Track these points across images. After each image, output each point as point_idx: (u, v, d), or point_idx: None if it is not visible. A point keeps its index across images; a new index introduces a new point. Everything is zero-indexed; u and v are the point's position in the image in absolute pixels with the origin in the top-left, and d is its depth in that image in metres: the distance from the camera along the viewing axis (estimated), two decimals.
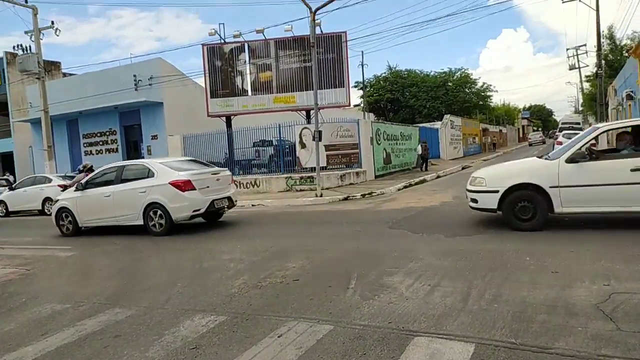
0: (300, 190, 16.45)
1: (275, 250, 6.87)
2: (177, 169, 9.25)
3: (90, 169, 12.47)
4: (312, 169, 15.72)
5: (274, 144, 18.96)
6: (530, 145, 51.61)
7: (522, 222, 6.70)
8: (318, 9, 13.91)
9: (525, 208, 6.68)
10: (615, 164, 6.37)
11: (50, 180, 16.15)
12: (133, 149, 21.75)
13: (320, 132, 14.33)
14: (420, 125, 30.35)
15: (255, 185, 17.68)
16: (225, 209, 9.90)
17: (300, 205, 13.44)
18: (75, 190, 10.24)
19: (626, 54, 25.62)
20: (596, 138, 6.87)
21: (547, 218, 6.66)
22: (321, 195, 13.86)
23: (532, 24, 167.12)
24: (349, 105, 21.52)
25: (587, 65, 37.72)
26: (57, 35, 19.04)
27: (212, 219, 10.49)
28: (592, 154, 6.55)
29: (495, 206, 6.91)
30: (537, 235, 6.38)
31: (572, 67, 37.21)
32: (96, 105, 20.71)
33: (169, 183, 8.90)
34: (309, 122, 18.43)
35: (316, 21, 14.72)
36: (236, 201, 10.28)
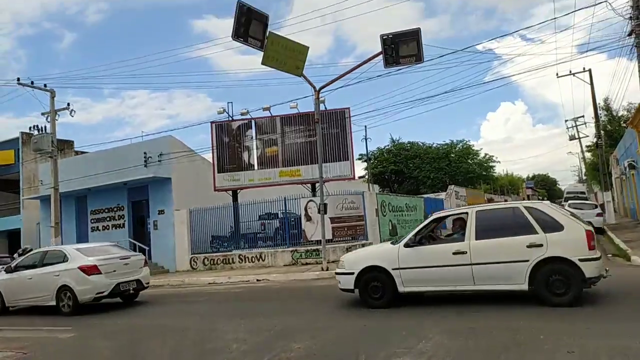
0: (306, 263, 16.23)
1: (279, 329, 6.66)
2: (89, 254, 10.26)
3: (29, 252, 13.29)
4: (318, 242, 15.61)
5: (279, 217, 19.00)
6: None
7: (374, 301, 7.45)
8: (322, 87, 14.51)
9: (375, 288, 7.47)
10: (441, 248, 7.24)
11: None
12: (140, 225, 21.82)
13: (325, 205, 14.40)
14: (425, 196, 30.47)
15: (261, 259, 17.49)
16: (131, 290, 10.57)
17: (306, 279, 13.19)
18: (6, 273, 11.21)
19: (624, 125, 26.17)
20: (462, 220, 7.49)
21: (396, 296, 7.34)
22: (327, 269, 13.63)
23: (530, 96, 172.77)
24: (354, 177, 21.77)
25: (587, 136, 38.32)
26: (72, 116, 19.81)
27: (127, 298, 11.05)
28: (431, 238, 7.56)
29: (352, 286, 7.68)
30: (551, 312, 6.16)
31: (572, 138, 37.86)
32: (105, 182, 21.07)
33: (77, 267, 9.88)
34: (314, 195, 18.58)
35: (320, 98, 15.32)
36: (147, 283, 11.05)
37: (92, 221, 22.61)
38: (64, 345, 7.26)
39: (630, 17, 11.60)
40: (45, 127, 19.40)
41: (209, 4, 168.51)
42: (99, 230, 22.29)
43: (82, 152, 28.20)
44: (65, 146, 29.82)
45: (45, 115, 19.41)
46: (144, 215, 21.58)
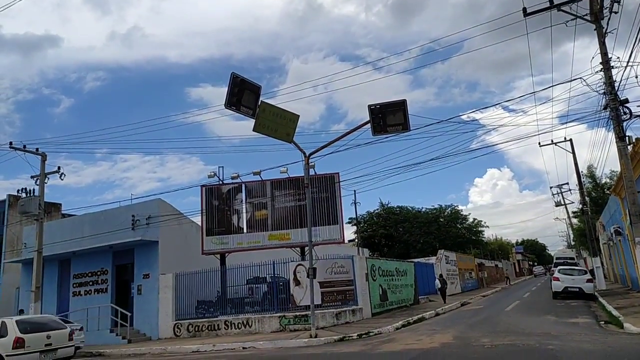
0: (295, 330, 15.74)
1: None
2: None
3: None
4: (307, 307, 15.24)
5: (267, 281, 18.66)
6: (535, 276, 64.24)
7: None
8: (312, 153, 14.85)
9: None
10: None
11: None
12: (123, 289, 21.21)
13: (314, 269, 14.23)
14: (415, 260, 30.25)
15: (248, 325, 16.95)
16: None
17: (294, 347, 12.75)
18: None
19: (608, 192, 26.80)
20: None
21: None
22: (316, 336, 13.22)
23: (515, 164, 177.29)
24: (343, 241, 21.72)
25: (573, 202, 39.00)
26: (62, 180, 19.85)
27: None
28: None
29: None
30: None
31: (558, 204, 38.50)
32: (91, 245, 20.71)
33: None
34: (303, 259, 18.39)
35: (310, 164, 15.62)
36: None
37: (74, 285, 21.95)
38: None
39: (604, 92, 12.26)
40: (33, 189, 19.39)
41: (206, 73, 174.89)
42: (81, 295, 21.60)
43: (69, 215, 27.92)
44: (52, 209, 29.55)
45: (35, 178, 19.43)
46: (128, 279, 21.05)
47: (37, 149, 19.58)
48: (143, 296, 19.89)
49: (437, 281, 25.74)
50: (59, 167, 19.68)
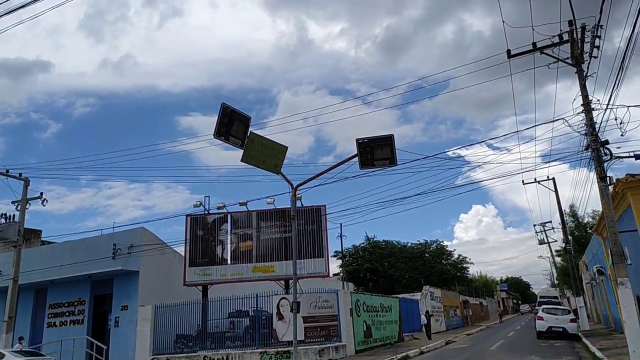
0: None
1: None
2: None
3: None
4: (290, 343, 14.91)
5: (250, 314, 18.27)
6: (522, 314, 67.28)
7: None
8: (299, 185, 14.83)
9: None
10: None
11: (2, 356, 14.81)
12: (100, 321, 20.55)
13: (298, 303, 13.97)
14: (400, 295, 29.97)
15: None
16: None
17: None
18: None
19: (590, 231, 27.15)
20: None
21: None
22: None
23: (499, 201, 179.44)
24: (328, 275, 21.49)
25: (556, 241, 39.35)
26: (44, 206, 19.50)
27: None
28: None
29: None
30: None
31: (541, 242, 38.76)
32: (69, 274, 20.15)
33: None
34: (287, 292, 18.10)
35: (297, 196, 15.59)
36: None
37: (50, 316, 21.24)
38: None
39: (586, 133, 12.60)
40: (13, 215, 18.95)
41: (196, 102, 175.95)
42: (56, 326, 20.89)
43: (49, 242, 27.26)
44: (32, 235, 28.83)
45: (16, 204, 19.06)
46: (106, 310, 20.46)
47: (20, 174, 19.28)
48: (120, 329, 19.28)
49: (422, 317, 26.61)
50: (41, 193, 19.38)
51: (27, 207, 19.04)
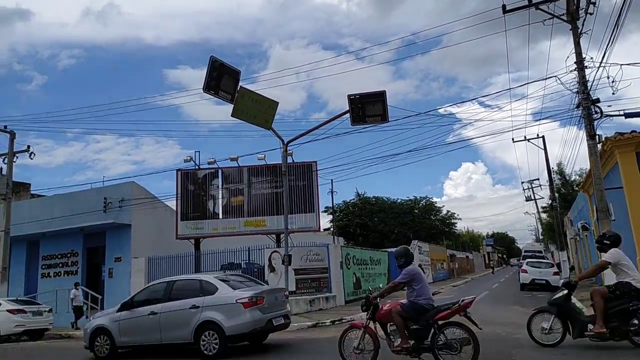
0: None
1: None
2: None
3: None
4: None
5: (242, 267, 18.64)
6: (511, 266, 70.44)
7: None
8: (290, 141, 14.82)
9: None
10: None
11: None
12: (94, 272, 20.88)
13: (290, 256, 14.30)
14: (389, 250, 30.63)
15: None
16: None
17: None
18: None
19: (577, 189, 27.60)
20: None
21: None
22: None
23: (489, 158, 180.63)
24: (319, 229, 21.79)
25: (543, 197, 40.04)
26: (32, 159, 19.30)
27: None
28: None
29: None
30: None
31: (528, 199, 39.38)
32: (61, 226, 20.26)
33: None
34: (279, 246, 18.43)
35: (288, 152, 15.59)
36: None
37: (43, 267, 21.51)
38: None
39: (577, 91, 12.57)
40: (1, 168, 18.78)
41: (184, 55, 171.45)
42: (50, 277, 21.20)
43: (39, 196, 27.19)
44: (21, 189, 28.65)
45: (3, 157, 18.83)
46: (99, 262, 20.74)
47: (5, 127, 18.95)
48: (114, 279, 19.63)
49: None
50: (28, 146, 19.13)
51: (14, 160, 18.85)
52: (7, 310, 14.77)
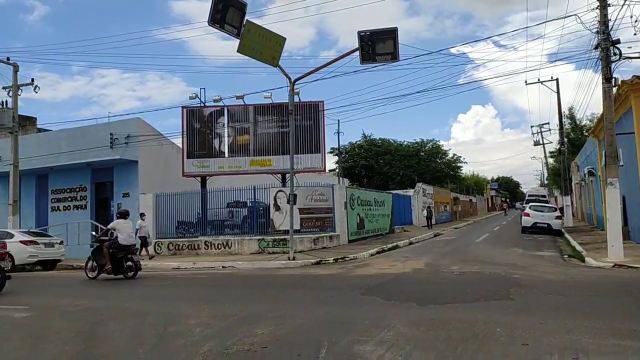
0: (273, 252, 16.24)
1: (244, 315, 6.66)
2: None
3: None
4: (286, 232, 15.64)
5: (248, 205, 18.91)
6: (516, 209, 67.67)
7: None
8: (297, 79, 14.47)
9: None
10: None
11: (12, 236, 15.53)
12: (103, 207, 21.28)
13: (295, 196, 14.41)
14: (394, 192, 30.89)
15: (227, 247, 17.39)
16: None
17: (272, 268, 13.22)
18: None
19: (586, 134, 27.20)
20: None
21: None
22: (294, 259, 13.69)
23: (500, 101, 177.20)
24: (325, 170, 21.87)
25: (551, 142, 39.69)
26: (36, 92, 19.10)
27: None
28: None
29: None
30: (507, 306, 6.41)
31: (537, 143, 39.05)
32: (68, 161, 20.41)
33: None
34: (284, 185, 18.57)
35: (295, 90, 15.28)
36: None
37: (53, 201, 21.92)
38: (19, 324, 7.05)
39: (597, 31, 12.02)
40: (6, 101, 18.64)
41: None
42: (60, 210, 21.65)
43: (45, 130, 27.20)
44: (27, 123, 28.67)
45: (7, 90, 18.64)
46: (108, 197, 21.07)
47: (7, 58, 18.60)
48: None
49: (424, 211, 30.95)
50: (32, 79, 18.87)
51: (18, 93, 18.68)
52: (20, 242, 15.21)
